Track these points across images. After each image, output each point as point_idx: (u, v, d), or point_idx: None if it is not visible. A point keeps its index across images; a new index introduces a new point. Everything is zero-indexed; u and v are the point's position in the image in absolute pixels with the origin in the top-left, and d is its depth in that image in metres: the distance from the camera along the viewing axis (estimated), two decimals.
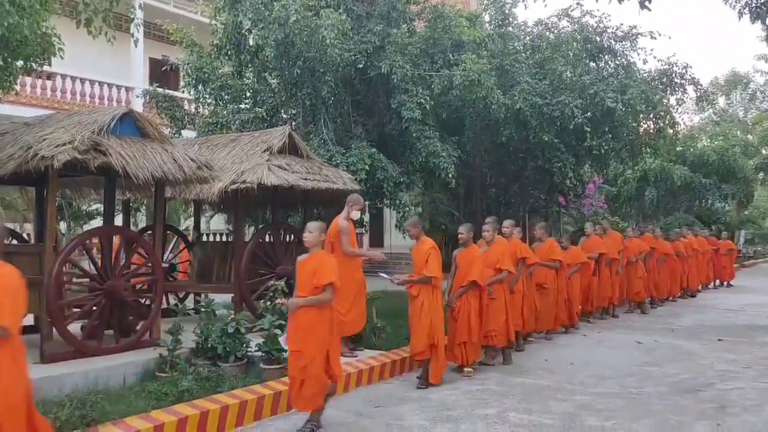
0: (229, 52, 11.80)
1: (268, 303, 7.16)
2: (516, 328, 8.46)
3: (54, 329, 6.20)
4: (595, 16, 14.33)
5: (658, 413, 6.13)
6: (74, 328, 6.57)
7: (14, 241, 8.43)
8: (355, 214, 7.93)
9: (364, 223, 15.87)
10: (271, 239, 9.53)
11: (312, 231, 5.55)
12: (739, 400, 6.65)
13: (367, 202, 11.64)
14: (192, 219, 12.10)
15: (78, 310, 6.73)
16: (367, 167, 10.41)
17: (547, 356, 8.82)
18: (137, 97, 16.95)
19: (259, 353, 6.75)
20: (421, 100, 10.87)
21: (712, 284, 18.75)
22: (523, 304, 8.82)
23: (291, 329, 5.50)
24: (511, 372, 7.89)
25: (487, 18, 14.77)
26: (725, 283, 19.28)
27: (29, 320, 7.56)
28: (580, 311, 11.16)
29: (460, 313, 7.48)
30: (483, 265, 7.64)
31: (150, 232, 9.04)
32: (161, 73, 16.61)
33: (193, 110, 14.48)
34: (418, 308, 7.09)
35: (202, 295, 9.91)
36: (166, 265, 9.80)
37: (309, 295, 5.38)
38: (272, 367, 6.56)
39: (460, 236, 7.72)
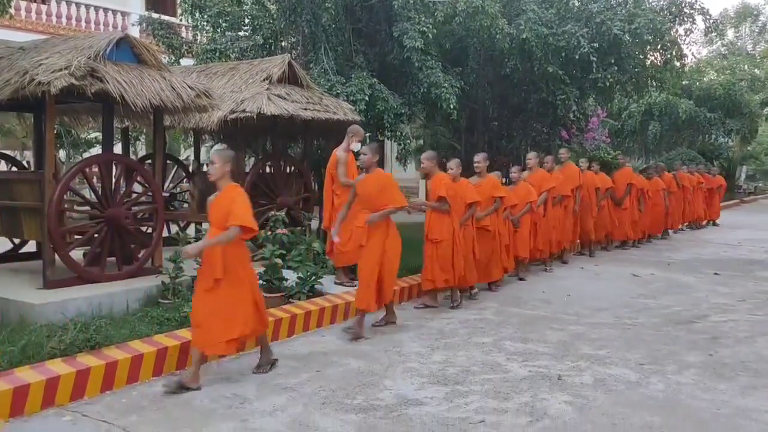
0: None
1: (269, 233, 7.19)
2: (445, 283, 7.57)
3: (56, 256, 6.26)
4: None
5: (650, 343, 6.26)
6: (77, 255, 6.62)
7: (14, 169, 8.42)
8: (356, 146, 7.86)
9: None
10: (272, 170, 9.50)
11: (215, 162, 5.21)
12: (731, 332, 6.78)
13: (367, 134, 11.53)
14: (192, 148, 12.04)
15: (80, 237, 6.78)
16: (366, 98, 10.24)
17: (545, 288, 8.95)
18: (133, 24, 16.51)
19: (260, 282, 6.82)
20: (424, 28, 10.59)
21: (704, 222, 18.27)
22: (454, 254, 7.57)
23: None
24: (509, 302, 8.01)
25: None
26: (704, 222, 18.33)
27: (32, 246, 7.66)
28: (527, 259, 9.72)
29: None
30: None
31: (150, 160, 9.01)
32: None
33: (191, 38, 14.16)
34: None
35: (203, 225, 9.96)
36: (167, 194, 9.80)
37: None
38: (273, 295, 6.64)
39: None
